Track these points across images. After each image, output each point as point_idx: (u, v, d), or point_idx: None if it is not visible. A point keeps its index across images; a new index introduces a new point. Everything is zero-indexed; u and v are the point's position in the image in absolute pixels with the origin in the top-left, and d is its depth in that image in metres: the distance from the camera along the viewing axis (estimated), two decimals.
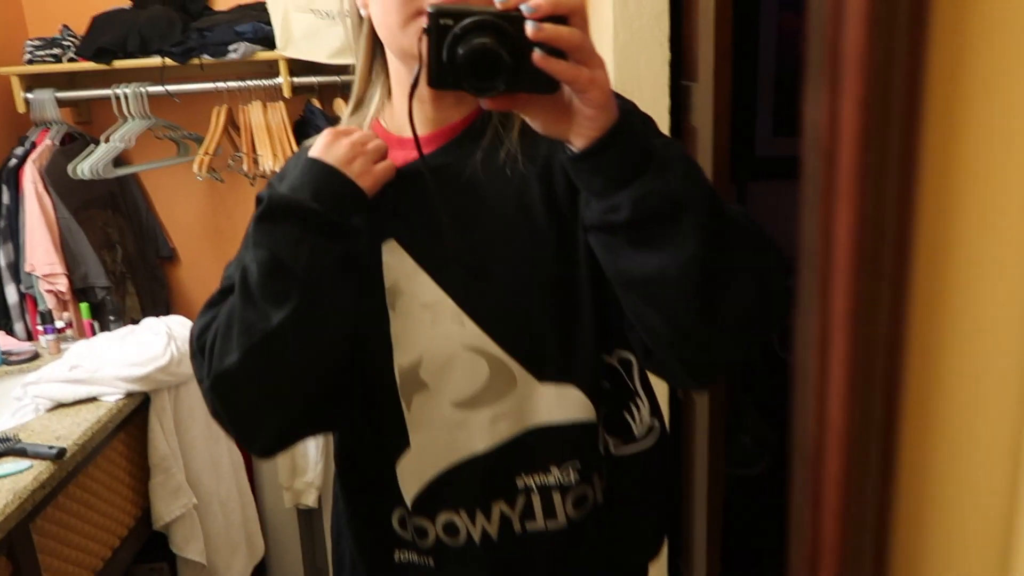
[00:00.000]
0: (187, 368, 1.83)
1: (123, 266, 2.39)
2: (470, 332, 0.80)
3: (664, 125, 1.74)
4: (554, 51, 0.61)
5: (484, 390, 0.81)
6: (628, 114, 0.67)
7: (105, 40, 2.11)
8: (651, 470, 0.90)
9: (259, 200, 0.78)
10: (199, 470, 1.90)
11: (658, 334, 0.73)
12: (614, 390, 0.86)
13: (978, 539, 0.62)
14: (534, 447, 0.82)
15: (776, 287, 0.73)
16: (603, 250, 0.72)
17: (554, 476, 0.82)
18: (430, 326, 0.81)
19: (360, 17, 0.83)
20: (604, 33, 1.79)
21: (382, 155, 0.81)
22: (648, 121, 0.79)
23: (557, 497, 0.83)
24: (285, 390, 0.78)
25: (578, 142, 0.66)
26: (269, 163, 2.20)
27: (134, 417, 1.77)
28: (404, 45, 0.76)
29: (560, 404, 0.82)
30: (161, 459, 1.80)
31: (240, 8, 2.24)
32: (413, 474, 0.84)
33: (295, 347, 0.75)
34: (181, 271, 2.58)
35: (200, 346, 0.79)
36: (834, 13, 0.52)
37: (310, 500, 2.15)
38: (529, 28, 0.60)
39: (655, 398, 0.91)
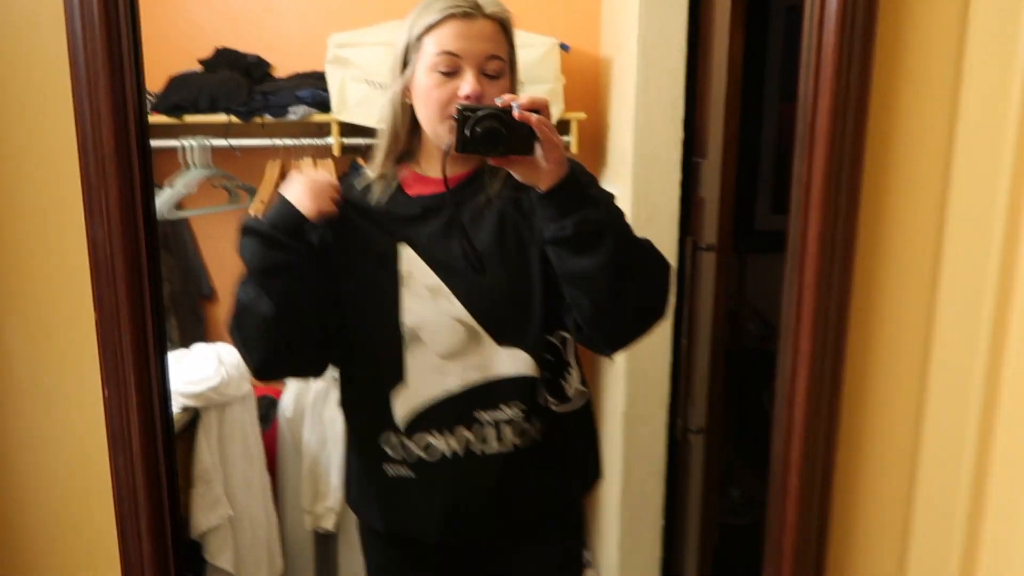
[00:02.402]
0: (234, 390, 2.02)
1: (168, 301, 2.58)
2: (456, 309, 1.16)
3: (675, 196, 1.98)
4: (532, 131, 1.02)
5: (461, 348, 1.16)
6: (574, 172, 1.06)
7: (179, 97, 2.36)
8: (579, 424, 1.26)
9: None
10: (234, 487, 2.06)
11: (586, 313, 1.10)
12: (553, 361, 1.20)
13: (884, 540, 0.95)
14: (492, 391, 1.16)
15: (662, 285, 1.13)
16: (555, 256, 1.08)
17: (504, 413, 1.16)
18: (430, 301, 1.16)
19: (404, 103, 1.21)
20: (627, 114, 2.03)
21: (324, 190, 1.16)
22: (593, 179, 1.18)
23: (506, 429, 1.16)
24: (285, 340, 1.14)
25: (543, 186, 1.05)
26: None
27: (183, 432, 1.94)
28: (439, 131, 1.15)
29: (512, 362, 1.16)
30: (204, 471, 1.96)
31: (299, 76, 2.51)
32: (405, 403, 1.17)
33: (276, 316, 1.11)
34: (218, 309, 2.77)
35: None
36: (812, 103, 0.81)
37: (329, 524, 2.27)
38: (515, 114, 1.01)
39: (582, 371, 1.27)
